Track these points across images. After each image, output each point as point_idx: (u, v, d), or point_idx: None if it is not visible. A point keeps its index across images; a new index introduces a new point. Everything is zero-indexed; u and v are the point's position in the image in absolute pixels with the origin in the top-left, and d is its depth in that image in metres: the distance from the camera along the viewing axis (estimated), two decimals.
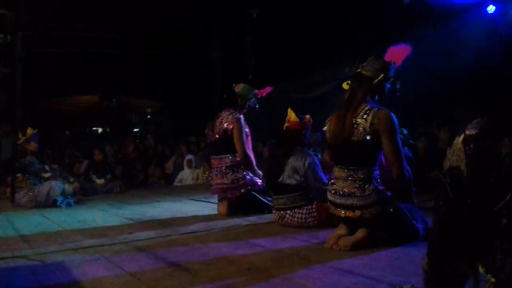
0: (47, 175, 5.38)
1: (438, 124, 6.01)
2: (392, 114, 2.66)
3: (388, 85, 2.88)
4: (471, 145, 0.93)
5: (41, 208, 5.03)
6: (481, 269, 0.92)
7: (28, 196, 5.18)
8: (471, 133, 0.95)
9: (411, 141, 5.82)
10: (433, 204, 1.06)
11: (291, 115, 3.64)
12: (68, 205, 5.18)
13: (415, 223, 2.73)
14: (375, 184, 2.70)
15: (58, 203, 5.13)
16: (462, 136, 0.97)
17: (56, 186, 5.23)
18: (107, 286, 2.15)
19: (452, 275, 0.99)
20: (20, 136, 5.51)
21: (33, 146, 5.46)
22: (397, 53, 2.82)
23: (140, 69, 11.77)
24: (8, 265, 2.59)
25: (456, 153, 0.96)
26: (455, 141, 0.98)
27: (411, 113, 6.72)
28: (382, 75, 2.75)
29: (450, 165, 0.97)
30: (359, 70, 2.81)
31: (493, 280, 0.88)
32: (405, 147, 4.16)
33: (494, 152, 0.88)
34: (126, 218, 4.17)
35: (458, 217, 0.95)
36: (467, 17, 7.19)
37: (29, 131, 5.48)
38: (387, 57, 2.84)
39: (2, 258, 2.71)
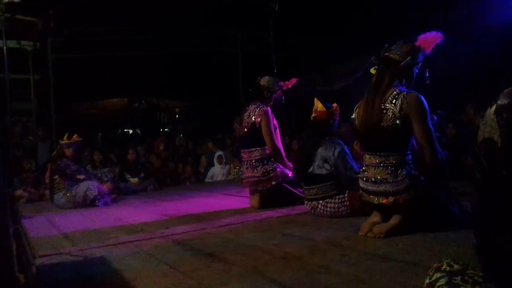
0: (81, 177, 5.55)
1: (476, 108, 5.92)
2: (422, 97, 2.61)
3: (416, 71, 2.83)
4: (504, 115, 0.91)
5: (79, 208, 5.22)
6: None
7: (66, 197, 5.37)
8: (503, 103, 0.92)
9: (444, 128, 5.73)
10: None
11: (318, 105, 3.61)
12: (105, 204, 5.35)
13: (450, 206, 2.68)
14: (408, 169, 2.65)
15: (96, 203, 5.30)
16: (494, 106, 0.95)
17: (92, 187, 5.41)
18: (148, 276, 2.22)
19: (502, 251, 0.96)
20: (65, 138, 5.66)
21: (70, 151, 5.63)
22: (427, 40, 2.76)
23: (166, 70, 11.95)
24: (52, 261, 2.70)
25: (489, 124, 0.94)
26: (487, 112, 0.96)
27: (440, 100, 6.60)
28: (409, 58, 2.71)
29: (484, 137, 0.96)
30: (387, 53, 2.78)
31: None
32: (437, 133, 4.08)
33: None
34: (161, 214, 4.26)
35: (494, 189, 0.94)
36: (493, 3, 6.99)
37: (75, 137, 5.66)
38: (417, 43, 2.79)
39: (47, 255, 2.82)
